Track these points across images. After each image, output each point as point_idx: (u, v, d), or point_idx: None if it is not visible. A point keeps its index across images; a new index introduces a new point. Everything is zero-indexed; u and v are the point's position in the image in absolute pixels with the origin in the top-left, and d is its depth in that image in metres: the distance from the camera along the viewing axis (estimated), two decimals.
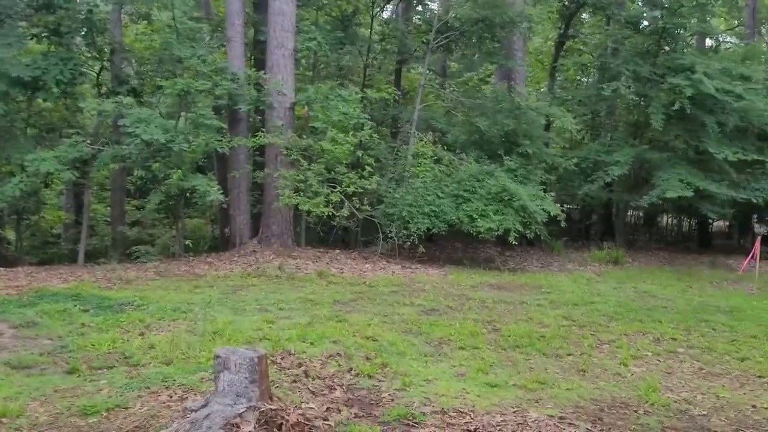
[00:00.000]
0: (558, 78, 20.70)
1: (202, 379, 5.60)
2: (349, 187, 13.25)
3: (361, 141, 13.84)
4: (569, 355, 7.12)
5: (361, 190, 13.53)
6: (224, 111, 14.39)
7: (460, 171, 14.17)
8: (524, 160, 14.85)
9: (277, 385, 5.37)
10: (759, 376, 6.60)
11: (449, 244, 16.41)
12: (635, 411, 5.47)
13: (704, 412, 5.52)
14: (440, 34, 15.40)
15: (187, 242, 14.04)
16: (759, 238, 13.13)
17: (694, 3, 15.43)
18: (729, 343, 7.85)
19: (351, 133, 13.66)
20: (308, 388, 5.58)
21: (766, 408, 5.65)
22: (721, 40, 22.30)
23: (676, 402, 5.72)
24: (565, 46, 19.95)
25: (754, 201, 14.87)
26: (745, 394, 6.04)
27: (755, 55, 17.20)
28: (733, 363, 7.03)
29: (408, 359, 6.62)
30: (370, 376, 6.00)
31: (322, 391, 5.57)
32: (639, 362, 6.96)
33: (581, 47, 20.76)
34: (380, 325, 7.93)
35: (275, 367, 5.91)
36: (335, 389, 5.65)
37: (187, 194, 13.76)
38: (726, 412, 5.55)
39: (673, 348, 7.58)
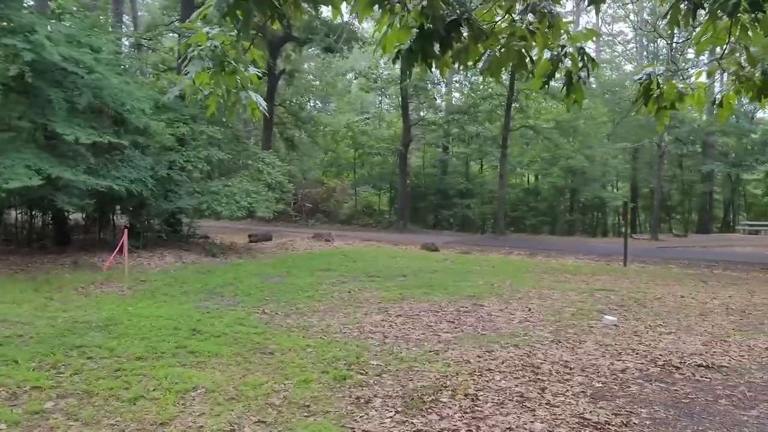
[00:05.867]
0: None
1: None
2: None
3: None
4: None
5: None
6: None
7: None
8: None
9: None
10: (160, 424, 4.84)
11: None
12: None
13: None
14: None
15: None
16: (125, 230, 11.71)
17: None
18: (113, 377, 5.88)
19: None
20: None
21: None
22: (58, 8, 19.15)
23: None
24: None
25: (116, 188, 13.27)
26: None
27: (101, 25, 15.64)
28: (126, 413, 5.06)
29: None
30: None
31: None
32: None
33: None
34: None
35: None
36: None
37: None
38: None
39: (37, 406, 5.12)
